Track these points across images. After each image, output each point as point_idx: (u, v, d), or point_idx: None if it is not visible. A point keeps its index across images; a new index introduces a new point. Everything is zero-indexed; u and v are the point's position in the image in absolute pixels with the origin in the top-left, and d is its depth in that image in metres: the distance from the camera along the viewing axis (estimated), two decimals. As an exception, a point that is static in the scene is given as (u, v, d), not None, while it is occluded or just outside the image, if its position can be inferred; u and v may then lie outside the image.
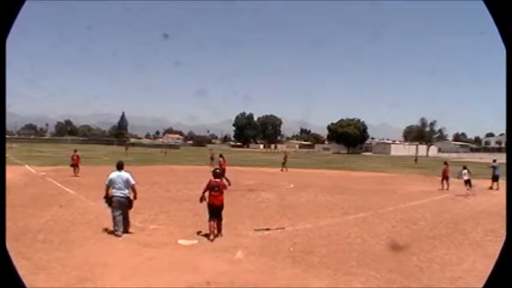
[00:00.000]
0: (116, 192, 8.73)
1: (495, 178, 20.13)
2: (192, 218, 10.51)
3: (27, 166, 27.24)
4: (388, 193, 17.71)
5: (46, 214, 10.74)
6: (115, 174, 8.91)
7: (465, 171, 18.27)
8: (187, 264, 6.71)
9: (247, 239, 8.60)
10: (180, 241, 8.21)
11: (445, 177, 19.56)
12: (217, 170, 9.08)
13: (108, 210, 8.96)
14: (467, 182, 18.06)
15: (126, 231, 8.69)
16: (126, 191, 8.80)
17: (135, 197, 8.89)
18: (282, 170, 29.98)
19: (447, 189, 19.02)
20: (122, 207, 8.67)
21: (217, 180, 8.71)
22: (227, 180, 17.16)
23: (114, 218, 8.68)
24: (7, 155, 29.60)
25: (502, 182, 19.57)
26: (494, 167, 20.60)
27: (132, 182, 8.89)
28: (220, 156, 19.86)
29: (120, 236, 8.46)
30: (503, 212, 9.13)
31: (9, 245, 3.74)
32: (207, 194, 8.65)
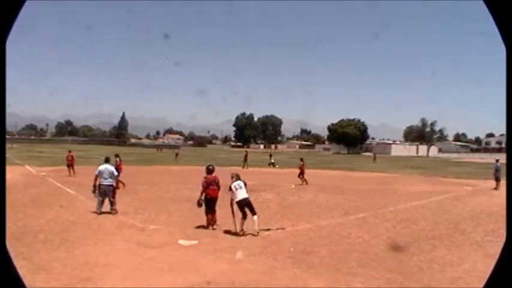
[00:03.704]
0: (103, 182, 10.75)
1: (497, 178, 20.12)
2: (192, 218, 10.50)
3: (27, 166, 27.28)
4: (388, 193, 17.70)
5: (46, 214, 10.75)
6: (103, 167, 11.01)
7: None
8: (188, 265, 6.71)
9: (248, 239, 8.60)
10: (180, 241, 8.22)
11: (301, 172, 21.06)
12: (210, 167, 9.56)
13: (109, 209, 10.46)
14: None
15: (115, 212, 10.70)
16: (111, 180, 10.90)
17: (117, 186, 11.47)
18: (243, 168, 31.01)
19: (306, 183, 20.21)
20: (107, 194, 10.78)
21: (213, 175, 9.45)
22: (121, 182, 16.81)
23: (98, 201, 10.77)
24: (7, 155, 29.61)
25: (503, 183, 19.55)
26: (495, 168, 20.64)
27: (116, 173, 11.26)
28: (117, 156, 19.23)
29: (98, 214, 10.56)
30: (503, 212, 9.11)
31: (10, 245, 3.74)
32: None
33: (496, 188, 19.53)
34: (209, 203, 9.30)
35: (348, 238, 8.97)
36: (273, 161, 29.30)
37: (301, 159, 22.42)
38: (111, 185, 10.89)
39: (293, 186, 19.63)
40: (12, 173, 19.45)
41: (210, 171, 9.46)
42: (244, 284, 5.86)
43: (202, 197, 9.36)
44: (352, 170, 34.35)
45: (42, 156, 41.60)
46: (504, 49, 2.96)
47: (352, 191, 18.20)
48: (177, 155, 44.04)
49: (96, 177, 10.95)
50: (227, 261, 6.93)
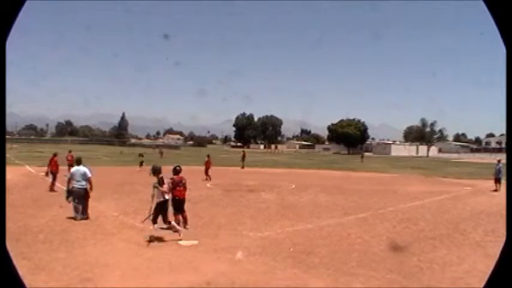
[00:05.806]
0: (76, 184, 10.11)
1: (497, 180, 19.45)
2: (192, 218, 10.47)
3: (27, 166, 27.26)
4: (388, 193, 17.68)
5: (46, 214, 10.75)
6: (75, 169, 10.38)
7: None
8: (188, 265, 6.71)
9: (248, 239, 8.61)
10: (180, 241, 8.21)
11: (207, 169, 21.99)
12: (177, 168, 9.52)
13: (109, 211, 10.28)
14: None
15: (86, 218, 9.98)
16: (84, 183, 10.15)
17: (91, 188, 10.25)
18: (242, 168, 31.48)
19: (210, 179, 21.03)
20: (80, 197, 10.04)
21: (180, 176, 9.34)
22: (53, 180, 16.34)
23: (74, 206, 10.05)
24: (7, 155, 29.61)
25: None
26: (497, 168, 19.89)
27: (89, 175, 10.24)
28: (55, 155, 18.58)
29: (78, 220, 9.78)
30: (503, 212, 9.13)
31: (10, 245, 3.74)
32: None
33: (495, 190, 18.96)
34: (177, 204, 9.15)
35: (348, 238, 8.98)
36: (142, 159, 29.33)
37: (208, 156, 22.94)
38: (84, 188, 10.14)
39: (293, 186, 19.63)
40: (12, 173, 19.45)
41: (177, 172, 9.32)
42: (244, 284, 5.86)
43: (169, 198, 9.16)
44: (352, 170, 34.33)
45: (42, 156, 41.48)
46: (504, 49, 2.97)
47: (352, 191, 18.19)
48: (161, 153, 44.41)
49: (69, 180, 10.34)
50: (227, 262, 6.93)
